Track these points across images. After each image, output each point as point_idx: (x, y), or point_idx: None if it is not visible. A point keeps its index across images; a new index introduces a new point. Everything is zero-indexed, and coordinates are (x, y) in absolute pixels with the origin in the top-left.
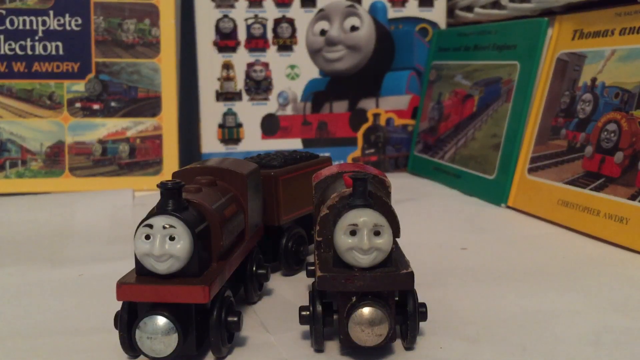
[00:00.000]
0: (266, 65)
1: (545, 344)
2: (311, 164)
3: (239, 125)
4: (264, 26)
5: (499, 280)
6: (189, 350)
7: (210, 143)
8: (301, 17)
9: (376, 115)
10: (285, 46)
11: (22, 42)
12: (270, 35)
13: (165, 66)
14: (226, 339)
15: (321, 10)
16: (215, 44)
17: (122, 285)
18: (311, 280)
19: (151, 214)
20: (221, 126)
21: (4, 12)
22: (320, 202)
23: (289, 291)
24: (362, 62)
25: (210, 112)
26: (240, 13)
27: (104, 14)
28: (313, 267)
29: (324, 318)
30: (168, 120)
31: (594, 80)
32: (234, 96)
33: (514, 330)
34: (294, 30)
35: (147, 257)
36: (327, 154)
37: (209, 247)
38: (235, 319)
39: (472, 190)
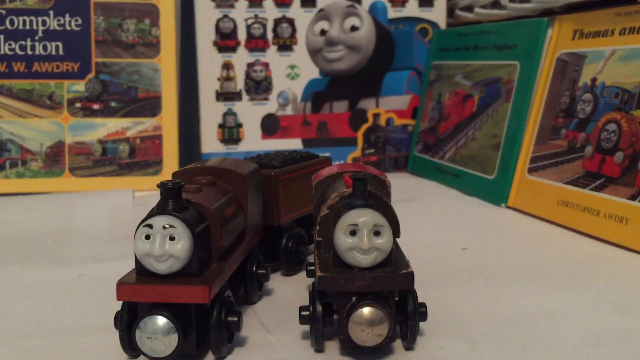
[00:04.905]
0: (266, 65)
1: (545, 344)
2: (311, 164)
3: (239, 125)
4: (264, 26)
5: (499, 280)
6: (189, 350)
7: (210, 143)
8: (301, 17)
9: (376, 115)
10: (285, 46)
11: (22, 42)
12: (270, 35)
13: (165, 66)
14: (226, 339)
15: (321, 10)
16: (215, 44)
17: (122, 285)
18: (311, 280)
19: (151, 214)
20: (221, 126)
21: (4, 12)
22: (320, 202)
23: (289, 291)
24: (362, 62)
25: (210, 112)
26: (240, 13)
27: (104, 14)
28: (313, 267)
29: (324, 318)
30: (168, 120)
31: (594, 80)
32: (234, 96)
33: (514, 330)
34: (294, 30)
35: (147, 257)
36: (327, 154)
37: (209, 247)
38: (235, 319)
39: (472, 190)
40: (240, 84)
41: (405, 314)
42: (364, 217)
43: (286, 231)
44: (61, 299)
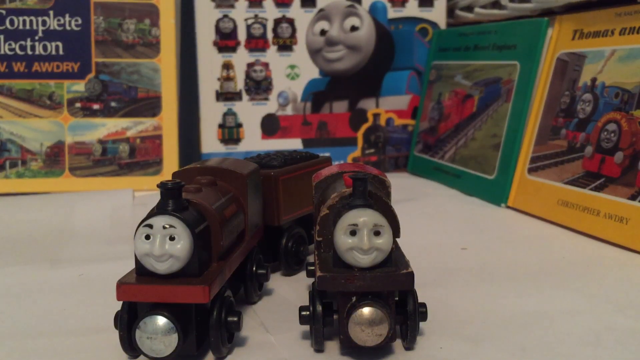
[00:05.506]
0: (266, 65)
1: (545, 344)
2: (311, 164)
3: (239, 125)
4: (264, 26)
5: (499, 280)
6: (189, 350)
7: (210, 143)
8: (301, 17)
9: (376, 115)
10: (285, 46)
11: (22, 42)
12: (270, 35)
13: (165, 66)
14: (226, 339)
15: (321, 10)
16: (215, 44)
17: (122, 285)
18: (311, 280)
19: (151, 214)
20: (221, 126)
21: (4, 12)
22: (320, 202)
23: (289, 291)
24: (362, 62)
25: (210, 112)
26: (240, 13)
27: (104, 14)
28: (313, 267)
29: (324, 318)
30: (168, 120)
31: (594, 80)
32: (234, 96)
33: (514, 330)
34: (294, 30)
35: (147, 257)
36: (327, 154)
37: (209, 247)
38: (235, 319)
39: (472, 190)
40: (240, 84)
41: (405, 314)
42: (364, 217)
43: (286, 231)
44: (61, 299)
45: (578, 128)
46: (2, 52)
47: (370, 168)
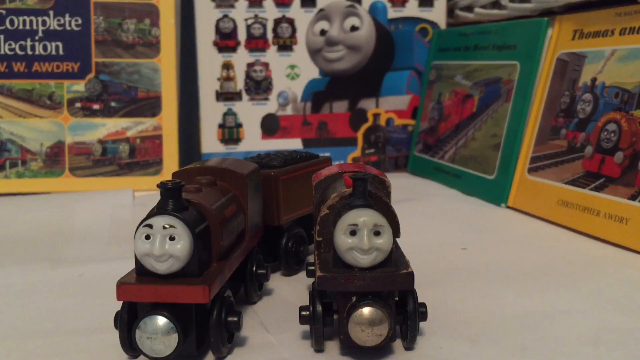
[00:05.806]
0: (266, 65)
1: (545, 344)
2: (311, 164)
3: (239, 125)
4: (264, 26)
5: (499, 280)
6: (189, 350)
7: (210, 143)
8: (301, 17)
9: (376, 115)
10: (285, 46)
11: (22, 42)
12: (270, 35)
13: (165, 66)
14: (226, 339)
15: (321, 10)
16: (215, 44)
17: (122, 285)
18: (311, 280)
19: (151, 214)
20: (221, 126)
21: (4, 12)
22: (320, 202)
23: (289, 291)
24: (362, 62)
25: (210, 112)
26: (240, 13)
27: (104, 14)
28: (313, 267)
29: (324, 318)
30: (168, 120)
31: (594, 80)
32: (234, 96)
33: (514, 330)
34: (294, 30)
35: (147, 257)
36: (327, 154)
37: (209, 247)
38: (235, 319)
39: (472, 190)
40: (240, 84)
41: (405, 314)
42: (364, 217)
43: (286, 231)
44: (61, 299)
45: (578, 128)
46: (2, 52)
47: (370, 168)
